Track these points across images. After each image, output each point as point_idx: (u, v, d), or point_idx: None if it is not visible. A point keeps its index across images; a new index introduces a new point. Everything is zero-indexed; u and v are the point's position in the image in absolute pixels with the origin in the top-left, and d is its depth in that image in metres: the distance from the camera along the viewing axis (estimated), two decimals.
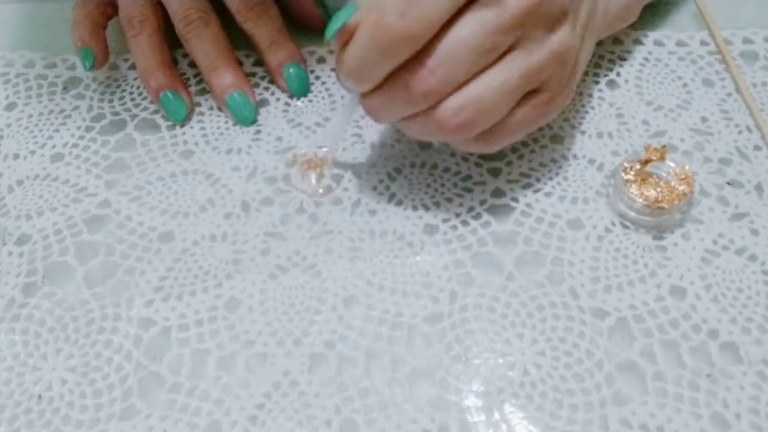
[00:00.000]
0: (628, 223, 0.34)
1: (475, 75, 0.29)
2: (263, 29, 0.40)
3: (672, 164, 0.33)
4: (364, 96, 0.31)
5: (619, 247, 0.33)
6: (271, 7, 0.41)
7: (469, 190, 0.35)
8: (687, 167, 0.33)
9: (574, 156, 0.37)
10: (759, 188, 0.35)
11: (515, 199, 0.35)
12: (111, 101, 0.41)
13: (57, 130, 0.40)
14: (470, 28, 0.27)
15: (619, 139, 0.37)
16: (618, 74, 0.40)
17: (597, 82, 0.40)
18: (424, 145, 0.37)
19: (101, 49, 0.40)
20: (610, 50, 0.42)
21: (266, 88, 0.41)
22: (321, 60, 0.42)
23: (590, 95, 0.39)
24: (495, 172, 0.36)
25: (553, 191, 0.35)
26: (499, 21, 0.27)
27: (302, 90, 0.40)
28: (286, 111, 0.40)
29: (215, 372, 0.30)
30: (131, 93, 0.42)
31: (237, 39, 0.41)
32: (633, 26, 0.41)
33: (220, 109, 0.40)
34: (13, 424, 0.29)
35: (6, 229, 0.35)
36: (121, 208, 0.36)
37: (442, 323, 0.31)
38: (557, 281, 0.32)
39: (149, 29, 0.40)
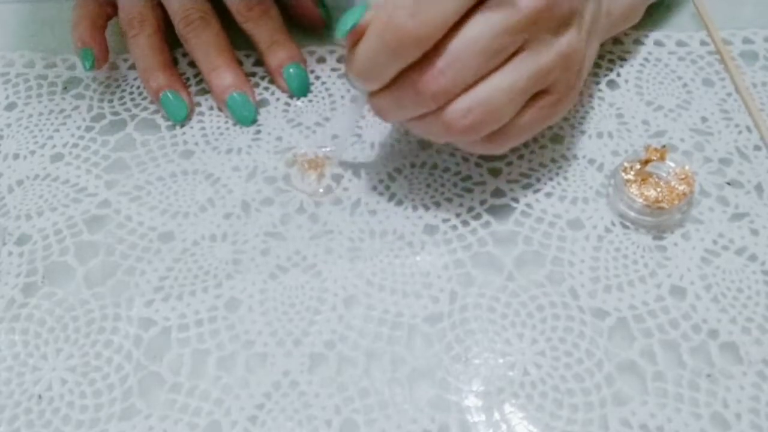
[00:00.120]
0: (628, 223, 0.34)
1: (484, 76, 0.29)
2: (263, 29, 0.40)
3: (672, 164, 0.33)
4: (372, 95, 0.31)
5: (619, 247, 0.33)
6: (271, 7, 0.41)
7: (469, 190, 0.35)
8: (687, 167, 0.33)
9: (574, 156, 0.37)
10: (759, 188, 0.35)
11: (515, 199, 0.35)
12: (111, 101, 0.41)
13: (57, 130, 0.40)
14: (480, 29, 0.27)
15: (619, 139, 0.37)
16: (618, 74, 0.40)
17: (597, 82, 0.40)
18: (424, 145, 0.37)
19: (101, 49, 0.40)
20: (610, 50, 0.42)
21: (266, 88, 0.41)
22: (321, 60, 0.42)
23: (590, 95, 0.39)
24: (495, 172, 0.36)
25: (553, 191, 0.35)
26: (508, 22, 0.27)
27: (302, 90, 0.40)
28: (286, 111, 0.40)
29: (215, 372, 0.30)
30: (131, 93, 0.42)
31: (237, 39, 0.41)
32: (633, 26, 0.41)
33: (220, 109, 0.40)
34: (13, 424, 0.29)
35: (6, 229, 0.35)
36: (121, 208, 0.36)
37: (442, 323, 0.31)
38: (557, 281, 0.32)
39: (149, 29, 0.40)
